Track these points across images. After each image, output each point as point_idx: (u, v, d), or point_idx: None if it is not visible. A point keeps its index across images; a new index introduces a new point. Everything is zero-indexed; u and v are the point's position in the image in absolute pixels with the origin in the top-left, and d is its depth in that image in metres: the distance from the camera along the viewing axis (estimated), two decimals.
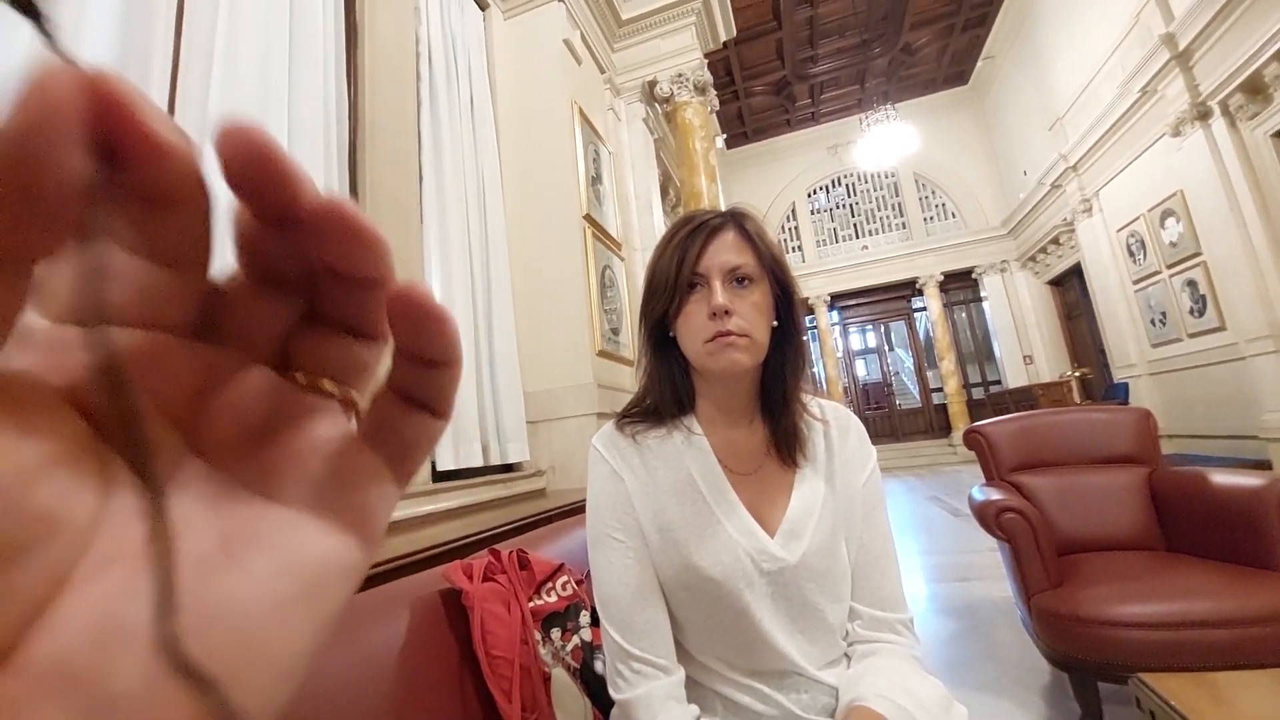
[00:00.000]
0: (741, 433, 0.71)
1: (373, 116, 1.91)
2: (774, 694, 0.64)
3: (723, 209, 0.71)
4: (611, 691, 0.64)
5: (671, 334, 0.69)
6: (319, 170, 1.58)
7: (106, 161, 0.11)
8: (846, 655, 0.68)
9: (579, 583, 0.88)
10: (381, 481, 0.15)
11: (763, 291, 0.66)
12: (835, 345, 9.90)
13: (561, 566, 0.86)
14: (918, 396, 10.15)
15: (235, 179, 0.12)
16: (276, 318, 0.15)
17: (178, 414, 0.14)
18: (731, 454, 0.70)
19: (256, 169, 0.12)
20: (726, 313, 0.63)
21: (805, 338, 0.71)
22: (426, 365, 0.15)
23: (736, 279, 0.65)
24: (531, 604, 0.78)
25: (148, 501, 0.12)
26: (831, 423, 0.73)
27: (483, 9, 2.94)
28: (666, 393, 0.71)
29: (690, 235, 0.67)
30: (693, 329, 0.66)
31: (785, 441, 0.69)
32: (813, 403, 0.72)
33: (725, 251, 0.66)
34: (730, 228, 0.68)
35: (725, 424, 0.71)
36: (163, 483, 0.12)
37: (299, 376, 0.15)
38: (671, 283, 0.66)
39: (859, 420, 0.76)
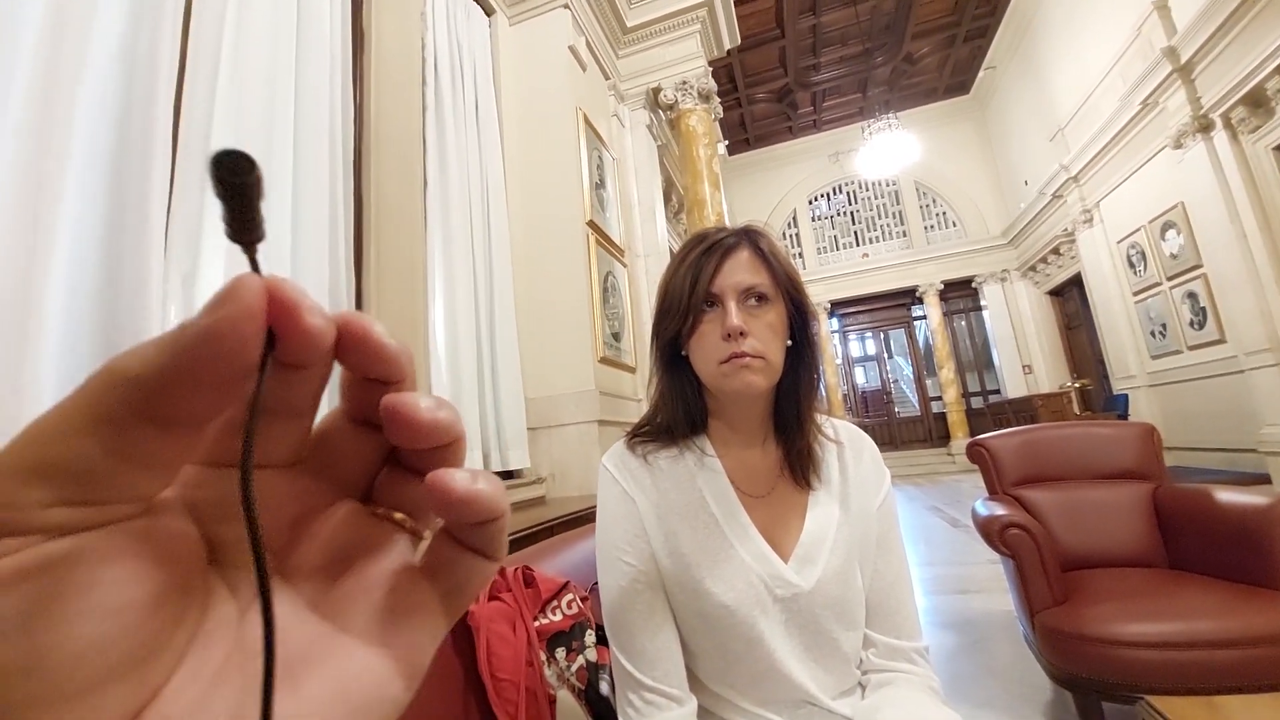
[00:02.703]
0: (755, 454, 0.69)
1: (378, 122, 1.90)
2: None
3: (736, 226, 0.70)
4: None
5: (684, 353, 0.68)
6: (324, 175, 1.57)
7: (270, 342, 0.13)
8: (861, 685, 0.67)
9: (584, 599, 0.87)
10: (434, 616, 0.17)
11: (777, 312, 0.65)
12: (835, 352, 9.90)
13: (567, 584, 0.85)
14: (917, 405, 10.15)
15: (343, 353, 0.15)
16: (366, 456, 0.17)
17: (276, 538, 0.16)
18: (744, 476, 0.68)
19: (358, 346, 0.15)
20: (741, 334, 0.62)
21: (819, 357, 0.70)
22: (478, 524, 0.16)
23: (751, 298, 0.64)
24: (537, 623, 0.77)
25: (255, 622, 0.14)
26: (845, 444, 0.71)
27: (488, 15, 2.94)
28: (678, 412, 0.69)
29: (704, 254, 0.66)
30: (707, 349, 0.64)
31: (799, 463, 0.67)
32: (826, 423, 0.71)
33: (740, 271, 0.65)
34: (745, 246, 0.67)
35: (738, 445, 0.70)
36: (273, 608, 0.13)
37: (378, 510, 0.17)
38: (685, 302, 0.65)
39: (872, 441, 0.74)
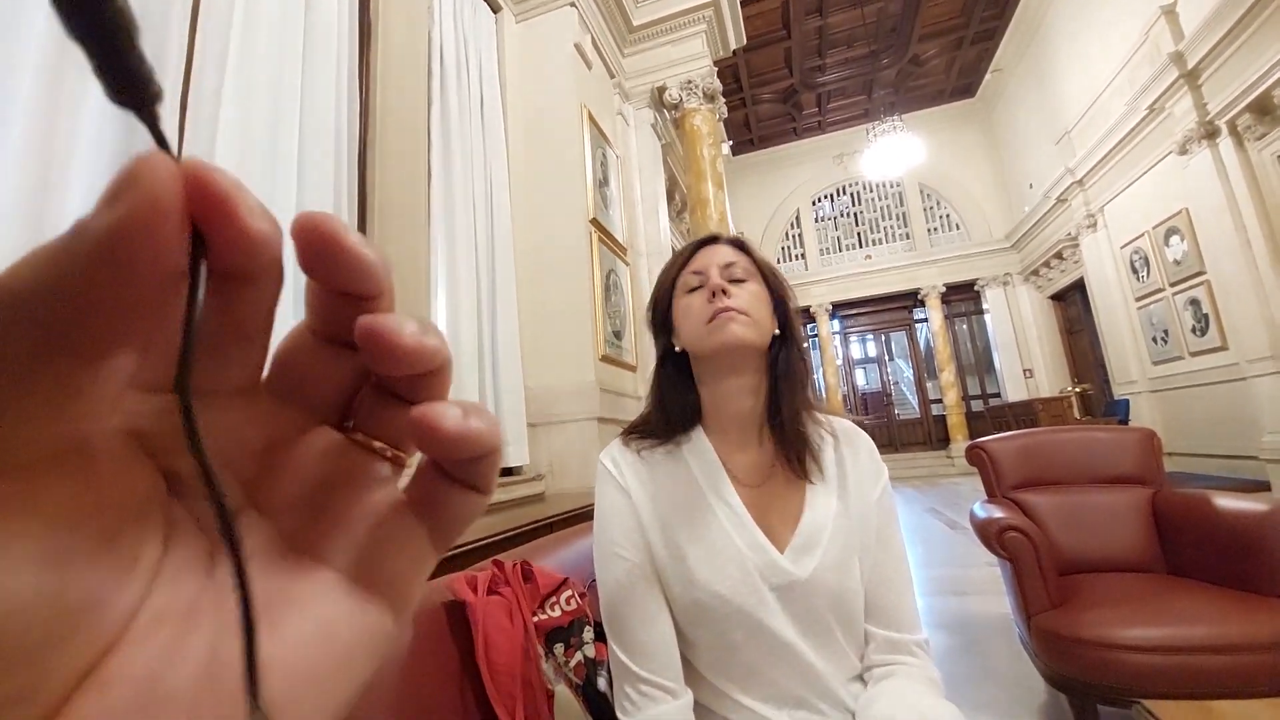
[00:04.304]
0: (750, 445, 0.71)
1: (384, 115, 1.90)
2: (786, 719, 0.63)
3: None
4: (619, 715, 0.63)
5: (678, 348, 0.71)
6: (329, 168, 1.58)
7: (196, 246, 0.11)
8: (862, 679, 0.67)
9: (582, 596, 0.88)
10: (421, 549, 0.16)
11: (759, 287, 0.70)
12: (835, 353, 9.89)
13: (566, 580, 0.85)
14: (917, 407, 10.15)
15: (308, 263, 0.13)
16: (340, 377, 0.15)
17: (243, 470, 0.14)
18: (740, 466, 0.70)
19: (326, 256, 0.13)
20: (724, 291, 0.66)
21: (806, 347, 0.74)
22: (469, 460, 0.15)
23: (732, 278, 0.69)
24: (535, 618, 0.77)
25: (227, 561, 0.12)
26: (841, 438, 0.72)
27: (495, 11, 2.94)
28: (674, 406, 0.71)
29: (688, 247, 0.75)
30: (693, 316, 0.68)
31: (795, 450, 0.68)
32: (821, 418, 0.72)
33: (720, 255, 0.71)
34: (726, 242, 0.74)
35: (734, 436, 0.71)
36: (240, 542, 0.12)
37: (357, 436, 0.16)
38: (671, 279, 0.72)
39: (868, 436, 0.75)
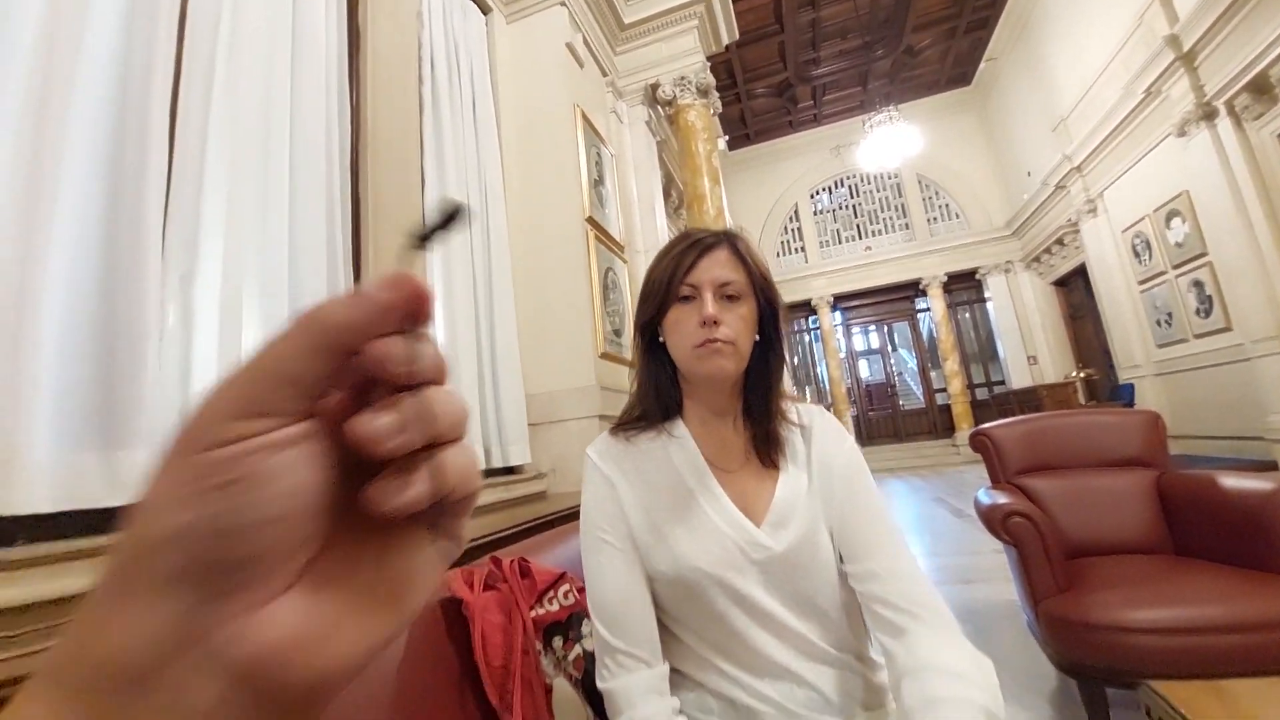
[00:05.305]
0: (726, 433, 0.76)
1: (375, 121, 1.90)
2: (769, 691, 0.67)
3: (718, 230, 0.76)
4: (598, 681, 0.67)
5: (661, 339, 0.75)
6: (321, 174, 1.58)
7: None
8: (867, 644, 0.71)
9: (580, 590, 0.87)
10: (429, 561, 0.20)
11: (749, 307, 0.72)
12: (838, 346, 9.87)
13: (563, 575, 0.85)
14: (921, 397, 10.12)
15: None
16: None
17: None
18: (717, 452, 0.75)
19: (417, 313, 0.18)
20: (715, 322, 0.69)
21: (785, 350, 0.77)
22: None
23: (726, 295, 0.71)
24: (533, 613, 0.77)
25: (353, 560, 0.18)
26: (809, 423, 0.78)
27: (485, 13, 2.94)
28: (656, 396, 0.76)
29: (686, 250, 0.73)
30: (683, 334, 0.71)
31: (766, 446, 0.74)
32: (791, 408, 0.78)
33: (717, 268, 0.71)
34: (724, 247, 0.73)
35: (711, 426, 0.76)
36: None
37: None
38: (664, 289, 0.72)
39: (833, 417, 0.81)
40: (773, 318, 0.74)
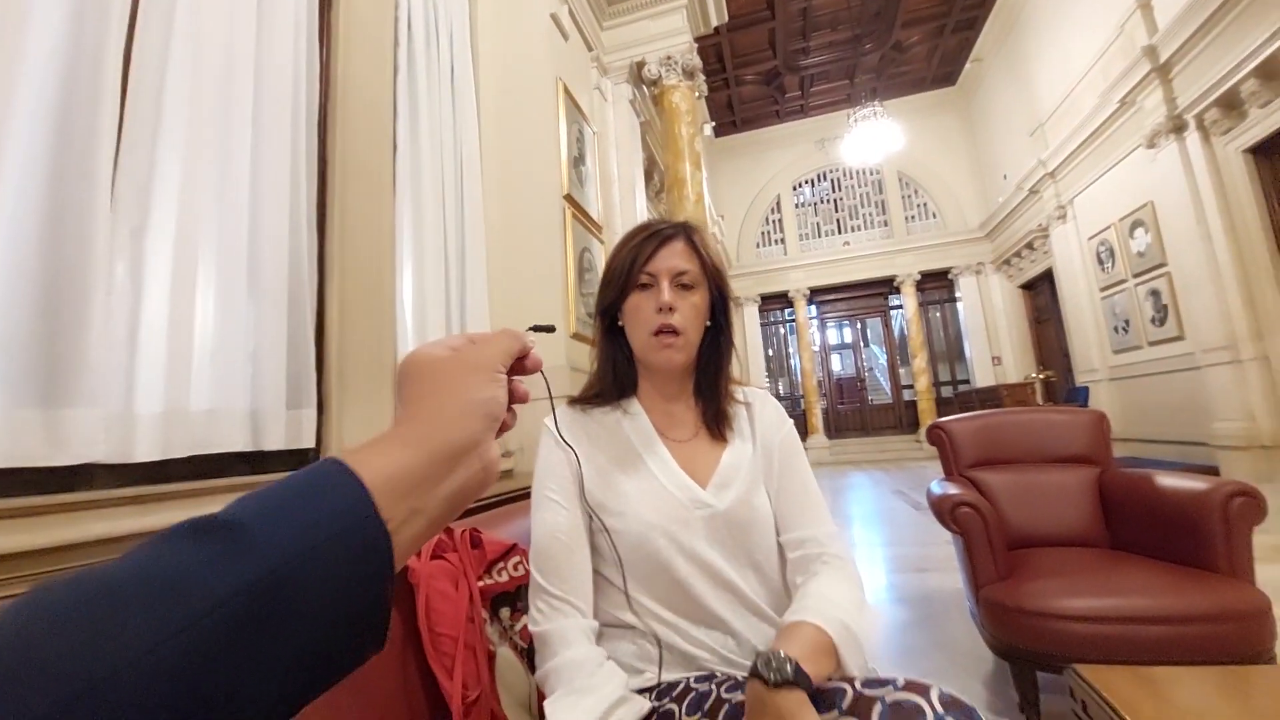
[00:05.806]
0: (678, 407, 0.84)
1: (345, 82, 1.84)
2: (708, 639, 0.72)
3: (676, 221, 0.83)
4: (530, 625, 0.70)
5: (621, 324, 0.81)
6: (286, 131, 1.52)
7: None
8: (789, 587, 0.77)
9: None
10: None
11: (702, 295, 0.79)
12: (812, 339, 10.00)
13: (514, 547, 0.85)
14: (889, 392, 10.34)
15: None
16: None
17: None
18: (667, 424, 0.82)
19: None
20: (671, 309, 0.76)
21: (734, 335, 0.85)
22: None
23: (681, 284, 0.77)
24: (481, 583, 0.78)
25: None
26: (754, 404, 0.86)
27: None
28: (614, 377, 0.82)
29: (645, 240, 0.79)
30: (640, 320, 0.78)
31: (715, 421, 0.82)
32: (738, 390, 0.86)
33: (674, 257, 0.78)
34: (680, 238, 0.80)
35: (664, 403, 0.83)
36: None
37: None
38: (624, 277, 0.79)
39: (775, 400, 0.89)
40: (723, 305, 0.82)
